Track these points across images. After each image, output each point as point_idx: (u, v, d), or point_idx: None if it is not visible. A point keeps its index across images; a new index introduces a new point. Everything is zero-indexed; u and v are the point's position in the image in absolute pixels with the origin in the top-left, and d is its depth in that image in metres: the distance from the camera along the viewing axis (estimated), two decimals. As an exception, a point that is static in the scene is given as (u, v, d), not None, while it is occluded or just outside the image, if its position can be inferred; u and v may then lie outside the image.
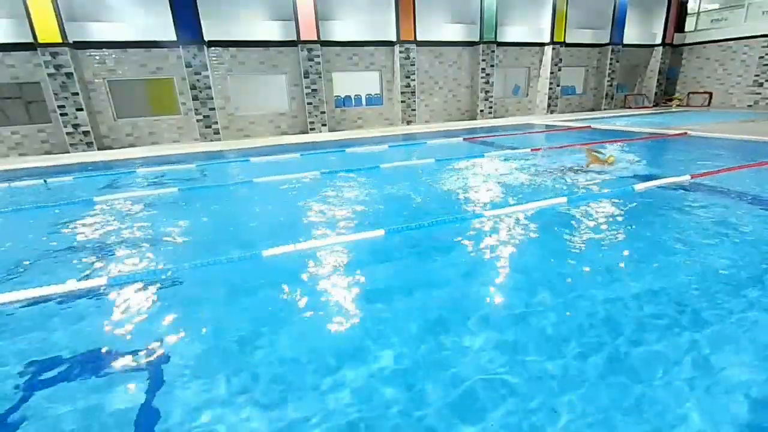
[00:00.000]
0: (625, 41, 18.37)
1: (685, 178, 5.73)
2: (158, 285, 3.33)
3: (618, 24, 17.82)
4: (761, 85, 16.94)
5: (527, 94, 18.01)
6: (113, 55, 11.83)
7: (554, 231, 4.28)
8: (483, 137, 11.68)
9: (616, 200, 5.12)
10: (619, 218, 4.56)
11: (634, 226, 4.30)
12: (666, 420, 1.83)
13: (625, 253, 3.67)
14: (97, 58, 11.73)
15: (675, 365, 2.17)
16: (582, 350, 2.32)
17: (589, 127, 12.71)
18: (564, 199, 5.03)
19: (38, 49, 10.75)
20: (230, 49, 12.88)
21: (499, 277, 3.39)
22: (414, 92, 15.16)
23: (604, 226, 4.29)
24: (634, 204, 4.95)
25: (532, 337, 2.47)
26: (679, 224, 4.30)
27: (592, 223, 4.41)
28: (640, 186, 5.52)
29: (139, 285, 3.33)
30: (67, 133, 11.51)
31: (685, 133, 10.25)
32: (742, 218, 4.36)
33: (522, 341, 2.44)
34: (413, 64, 14.80)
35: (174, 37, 11.94)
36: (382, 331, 2.61)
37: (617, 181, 6.10)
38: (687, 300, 2.80)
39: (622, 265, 3.41)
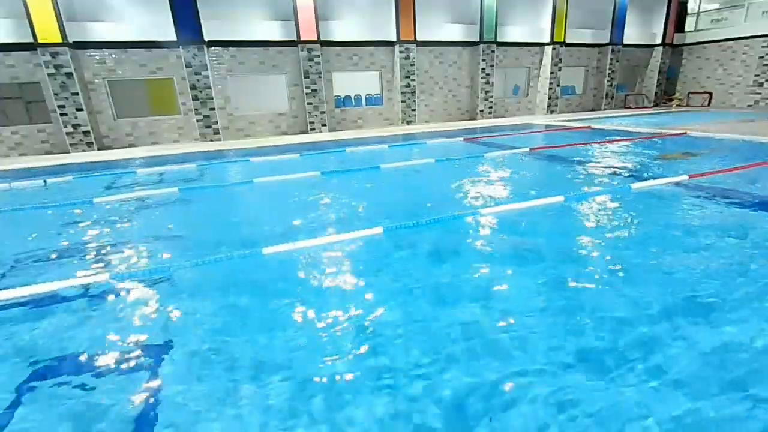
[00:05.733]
0: (625, 41, 18.37)
1: (683, 178, 5.74)
2: (159, 283, 3.34)
3: (618, 24, 17.83)
4: (761, 85, 16.95)
5: (527, 94, 18.02)
6: (113, 55, 11.85)
7: (550, 229, 4.29)
8: (483, 137, 11.68)
9: (613, 199, 5.13)
10: (616, 217, 4.57)
11: (628, 225, 4.31)
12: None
13: (618, 249, 3.68)
14: (97, 58, 11.75)
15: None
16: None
17: (589, 127, 12.71)
18: (561, 198, 5.04)
19: (38, 49, 10.77)
20: (230, 49, 12.89)
21: (493, 273, 3.39)
22: (414, 92, 15.17)
23: (598, 225, 4.30)
24: (631, 203, 4.96)
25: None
26: (675, 223, 4.31)
27: (586, 222, 4.42)
28: (638, 185, 5.53)
29: (140, 283, 3.34)
30: (67, 133, 11.52)
31: (685, 132, 10.26)
32: (740, 218, 4.37)
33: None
34: (413, 64, 14.81)
35: (174, 37, 11.96)
36: (377, 328, 2.62)
37: (616, 180, 6.11)
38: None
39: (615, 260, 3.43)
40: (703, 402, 1.91)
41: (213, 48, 12.67)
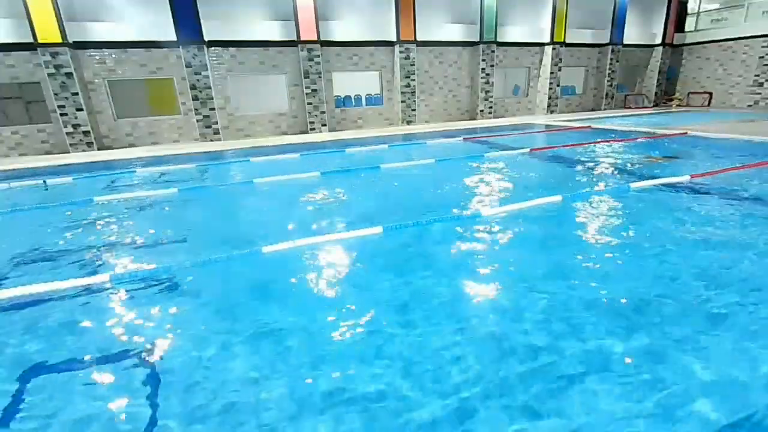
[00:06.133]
0: (625, 41, 18.36)
1: (685, 178, 5.73)
2: (159, 282, 3.34)
3: (618, 24, 17.82)
4: (761, 85, 16.93)
5: (527, 94, 18.01)
6: (113, 55, 11.85)
7: (549, 228, 4.29)
8: (483, 137, 11.68)
9: (613, 198, 5.13)
10: (614, 216, 4.57)
11: (626, 224, 4.31)
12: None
13: (613, 247, 3.68)
14: (97, 58, 11.75)
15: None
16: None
17: (589, 127, 12.71)
18: (559, 198, 5.04)
19: (38, 49, 10.76)
20: (230, 49, 12.89)
21: (489, 273, 3.39)
22: (414, 92, 15.17)
23: (596, 224, 4.31)
24: (630, 203, 4.97)
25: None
26: (677, 222, 4.30)
27: (585, 221, 4.43)
28: (637, 185, 5.53)
29: (140, 283, 3.34)
30: (67, 133, 11.52)
31: (685, 132, 10.26)
32: (739, 218, 4.36)
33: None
34: (413, 64, 14.80)
35: (174, 37, 11.95)
36: (374, 325, 2.62)
37: (615, 180, 6.10)
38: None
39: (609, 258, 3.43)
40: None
41: (213, 48, 12.66)
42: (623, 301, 2.81)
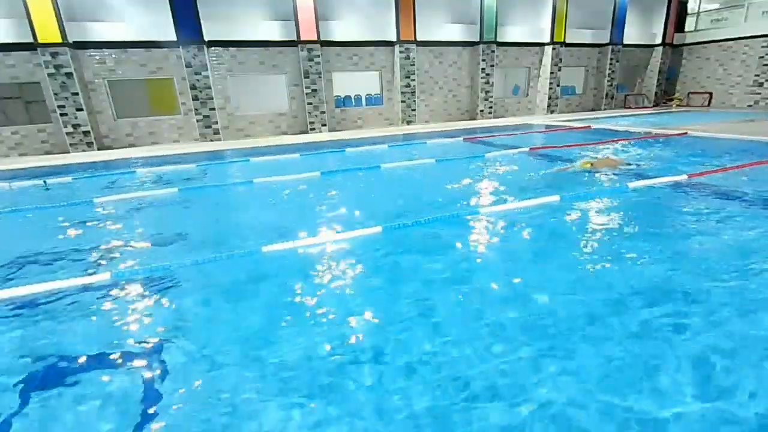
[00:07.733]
0: (625, 41, 18.37)
1: (682, 178, 5.74)
2: (160, 282, 3.35)
3: (618, 24, 17.83)
4: (761, 85, 16.94)
5: (527, 94, 18.02)
6: (113, 55, 11.86)
7: (547, 228, 4.30)
8: (483, 137, 11.68)
9: (610, 199, 5.14)
10: (612, 216, 4.58)
11: (623, 224, 4.32)
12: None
13: (611, 247, 3.69)
14: (97, 58, 11.76)
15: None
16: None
17: (590, 127, 12.71)
18: (557, 197, 5.04)
19: (38, 49, 10.78)
20: (230, 49, 12.90)
21: (489, 271, 3.40)
22: (414, 92, 15.17)
23: (594, 224, 4.31)
24: (629, 202, 4.97)
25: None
26: (670, 221, 4.31)
27: (583, 221, 4.44)
28: (634, 184, 5.53)
29: (141, 282, 3.35)
30: (67, 133, 11.53)
31: (686, 132, 10.26)
32: (734, 217, 4.37)
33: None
34: (413, 64, 14.81)
35: (174, 37, 11.97)
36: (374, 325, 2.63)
37: (613, 179, 6.11)
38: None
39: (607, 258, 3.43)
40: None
41: (213, 48, 12.67)
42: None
